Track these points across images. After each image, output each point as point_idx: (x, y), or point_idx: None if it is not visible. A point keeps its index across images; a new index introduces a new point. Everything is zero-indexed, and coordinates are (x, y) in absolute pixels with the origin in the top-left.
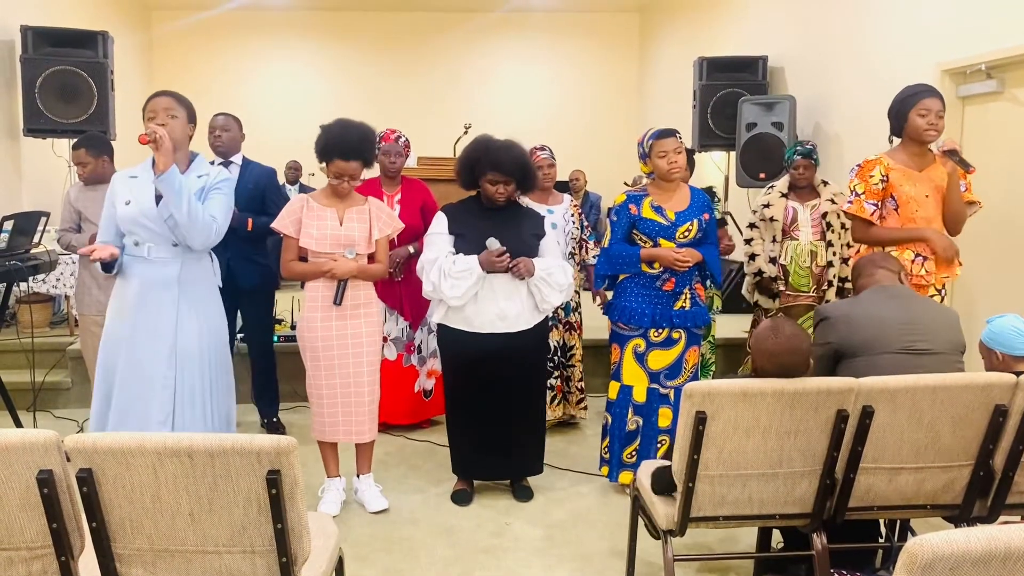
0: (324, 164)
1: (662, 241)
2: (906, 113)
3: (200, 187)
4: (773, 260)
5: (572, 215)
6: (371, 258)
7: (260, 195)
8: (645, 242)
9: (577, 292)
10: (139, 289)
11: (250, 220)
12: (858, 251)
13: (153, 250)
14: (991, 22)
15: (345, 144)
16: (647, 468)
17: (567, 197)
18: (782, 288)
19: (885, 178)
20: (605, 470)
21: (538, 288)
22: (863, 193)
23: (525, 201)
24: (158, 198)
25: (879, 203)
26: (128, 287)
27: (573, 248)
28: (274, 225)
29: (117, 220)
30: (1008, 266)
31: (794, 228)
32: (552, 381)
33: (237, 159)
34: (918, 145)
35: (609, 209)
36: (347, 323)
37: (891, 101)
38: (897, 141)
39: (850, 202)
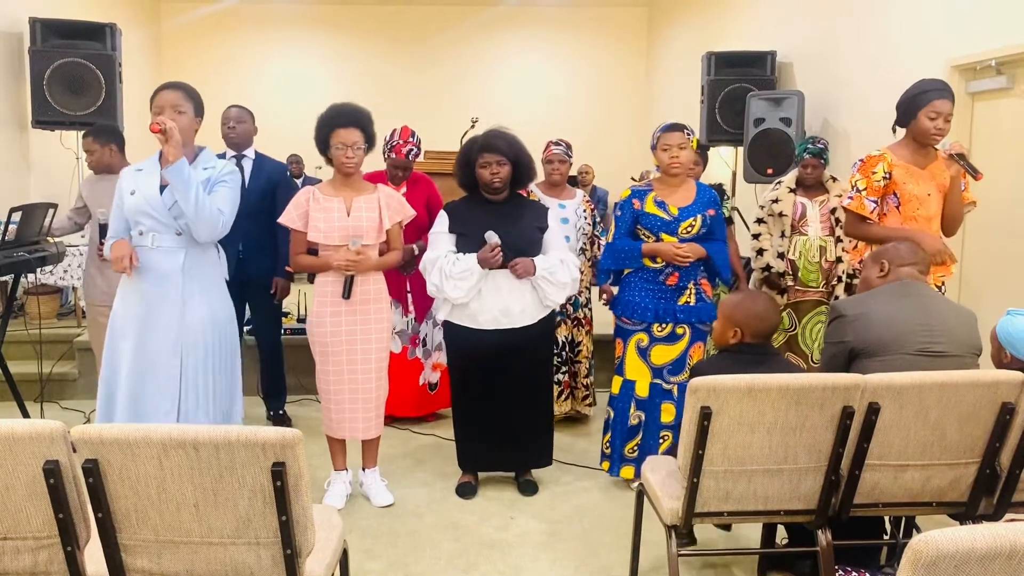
0: (327, 150)
1: (664, 236)
2: (915, 111)
3: (206, 179)
4: (781, 255)
5: (584, 210)
6: (383, 247)
7: (272, 191)
8: (648, 237)
9: (587, 288)
10: (144, 279)
11: (289, 268)
12: (856, 246)
13: (157, 239)
14: (1001, 18)
15: (341, 114)
16: (653, 464)
17: (580, 192)
18: (790, 283)
19: (888, 175)
20: (606, 465)
21: (540, 286)
22: (864, 189)
23: (537, 195)
24: (162, 188)
25: (879, 200)
26: (134, 277)
27: (584, 244)
28: (281, 220)
29: (124, 211)
30: (1015, 263)
31: (803, 223)
32: (559, 376)
33: (250, 153)
34: (921, 144)
35: (615, 204)
36: (356, 318)
37: (904, 91)
38: (901, 131)
39: (851, 197)
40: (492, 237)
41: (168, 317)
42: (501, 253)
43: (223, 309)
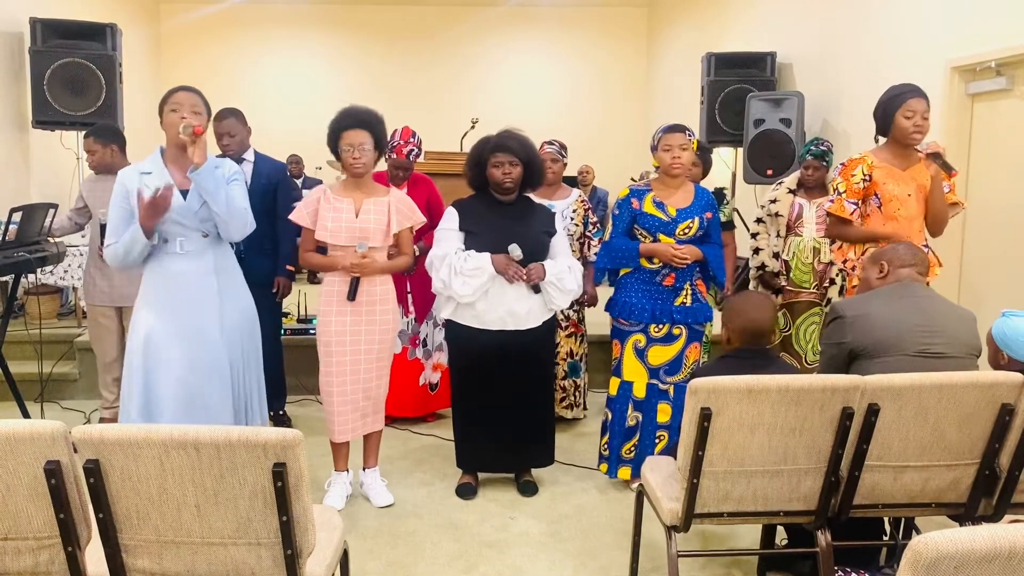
0: (338, 152)
1: (662, 237)
2: (892, 114)
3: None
4: (776, 255)
5: (575, 211)
6: (392, 250)
7: (272, 192)
8: (645, 237)
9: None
10: (177, 283)
11: (289, 267)
12: (840, 246)
13: (185, 243)
14: (1001, 19)
15: (348, 116)
16: (653, 465)
17: (575, 192)
18: (783, 283)
19: (868, 177)
20: (604, 467)
21: (547, 291)
22: (844, 192)
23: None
24: (183, 192)
25: (859, 202)
26: (163, 283)
27: (572, 245)
28: (292, 216)
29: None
30: (1015, 264)
31: (799, 224)
32: None
33: (248, 155)
34: (903, 146)
35: (614, 203)
36: (362, 319)
37: (876, 101)
38: (883, 140)
39: (831, 200)
40: (516, 251)
41: (210, 317)
42: (523, 270)
43: (249, 302)
